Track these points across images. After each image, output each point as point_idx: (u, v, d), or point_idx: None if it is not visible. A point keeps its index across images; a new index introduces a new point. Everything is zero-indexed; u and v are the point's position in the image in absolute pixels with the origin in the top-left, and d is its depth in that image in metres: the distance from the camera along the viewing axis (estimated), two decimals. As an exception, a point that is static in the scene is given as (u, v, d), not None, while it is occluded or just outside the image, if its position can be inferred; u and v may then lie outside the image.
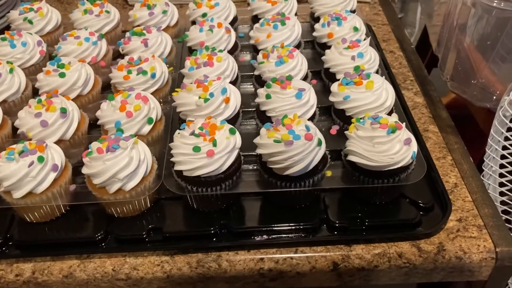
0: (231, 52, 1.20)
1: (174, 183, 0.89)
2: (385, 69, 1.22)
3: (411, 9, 2.03)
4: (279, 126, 0.86)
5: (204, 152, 0.83)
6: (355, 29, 1.17)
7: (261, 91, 0.99)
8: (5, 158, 0.84)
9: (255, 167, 0.94)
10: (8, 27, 1.33)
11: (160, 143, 1.00)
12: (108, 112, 0.95)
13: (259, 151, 0.86)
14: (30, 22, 1.26)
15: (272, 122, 0.90)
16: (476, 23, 1.01)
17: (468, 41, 1.06)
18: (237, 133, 0.89)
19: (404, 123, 0.88)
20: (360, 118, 0.89)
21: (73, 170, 0.92)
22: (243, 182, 0.91)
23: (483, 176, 1.03)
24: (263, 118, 0.99)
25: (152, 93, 1.04)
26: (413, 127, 1.06)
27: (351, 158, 0.86)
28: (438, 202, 0.92)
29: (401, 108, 1.08)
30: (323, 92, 1.13)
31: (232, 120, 0.99)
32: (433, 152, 1.04)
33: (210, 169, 0.83)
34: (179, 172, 0.86)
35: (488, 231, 0.88)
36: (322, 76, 1.16)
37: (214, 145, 0.83)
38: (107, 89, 1.16)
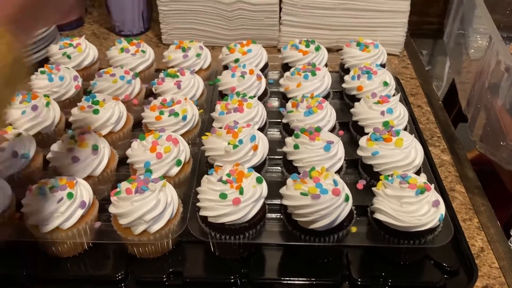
0: (261, 98, 1.21)
1: (198, 228, 0.89)
2: (413, 124, 1.22)
3: (439, 62, 2.04)
4: (306, 179, 0.86)
5: (230, 199, 0.83)
6: (385, 83, 1.18)
7: (289, 141, 1.00)
8: (35, 192, 0.85)
9: (278, 216, 0.94)
10: (46, 59, 1.37)
11: (186, 185, 1.01)
12: (138, 151, 0.96)
13: (284, 202, 0.86)
14: (69, 57, 1.30)
15: (298, 173, 0.90)
16: (509, 87, 1.01)
17: (499, 103, 1.06)
18: (264, 182, 0.89)
19: (433, 185, 0.87)
20: (388, 176, 0.89)
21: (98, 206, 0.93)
22: (266, 231, 0.91)
23: (510, 242, 1.01)
24: (290, 167, 0.99)
25: (181, 135, 1.05)
26: (439, 186, 1.05)
27: (378, 216, 0.85)
28: (463, 266, 0.90)
29: (428, 165, 1.07)
30: (350, 144, 1.13)
31: (258, 167, 0.99)
32: (459, 213, 1.02)
33: (235, 217, 0.84)
34: (204, 218, 0.86)
35: (515, 302, 0.85)
36: (350, 128, 1.17)
37: (241, 193, 0.84)
38: (137, 126, 1.18)
